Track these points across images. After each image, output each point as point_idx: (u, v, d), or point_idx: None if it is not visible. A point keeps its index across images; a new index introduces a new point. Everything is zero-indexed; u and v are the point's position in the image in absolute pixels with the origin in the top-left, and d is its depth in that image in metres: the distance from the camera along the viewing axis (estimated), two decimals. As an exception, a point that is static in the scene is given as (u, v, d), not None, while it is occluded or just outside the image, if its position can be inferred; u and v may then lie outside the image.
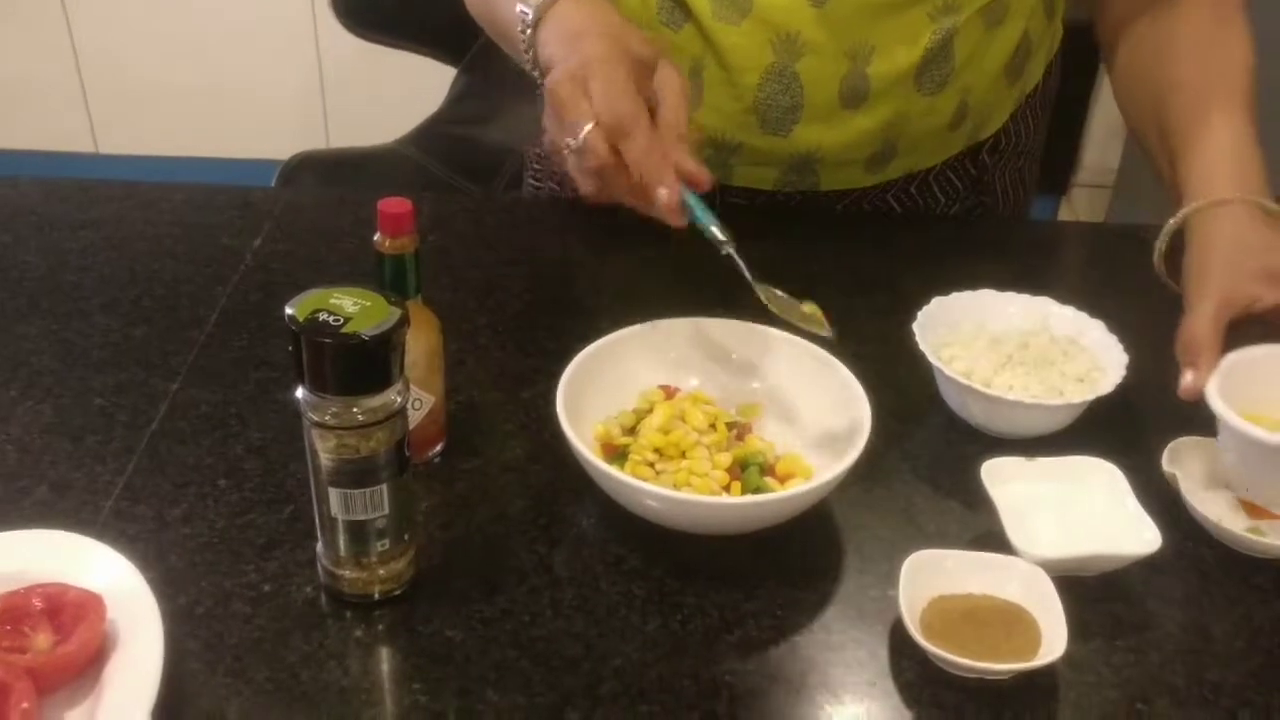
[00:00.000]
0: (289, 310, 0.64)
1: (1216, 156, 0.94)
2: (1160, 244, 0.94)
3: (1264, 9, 1.06)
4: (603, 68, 0.81)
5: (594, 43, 0.84)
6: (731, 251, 0.81)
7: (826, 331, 0.81)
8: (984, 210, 1.18)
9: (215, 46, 2.85)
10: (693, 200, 0.82)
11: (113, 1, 2.82)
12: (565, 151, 0.83)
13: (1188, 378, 0.82)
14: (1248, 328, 0.85)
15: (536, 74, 0.90)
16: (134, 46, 2.87)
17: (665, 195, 0.80)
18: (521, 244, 1.09)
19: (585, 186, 0.85)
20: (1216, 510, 0.80)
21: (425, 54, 1.91)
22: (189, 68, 2.88)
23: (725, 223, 0.82)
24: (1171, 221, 0.93)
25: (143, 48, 2.87)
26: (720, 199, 1.12)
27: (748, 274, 0.81)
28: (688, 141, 0.83)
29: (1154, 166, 1.03)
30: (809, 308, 0.82)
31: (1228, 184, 0.91)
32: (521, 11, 0.89)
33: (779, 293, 0.82)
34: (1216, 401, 0.79)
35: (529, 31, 0.89)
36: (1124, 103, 1.08)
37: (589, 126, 0.80)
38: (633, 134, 0.80)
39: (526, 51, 0.90)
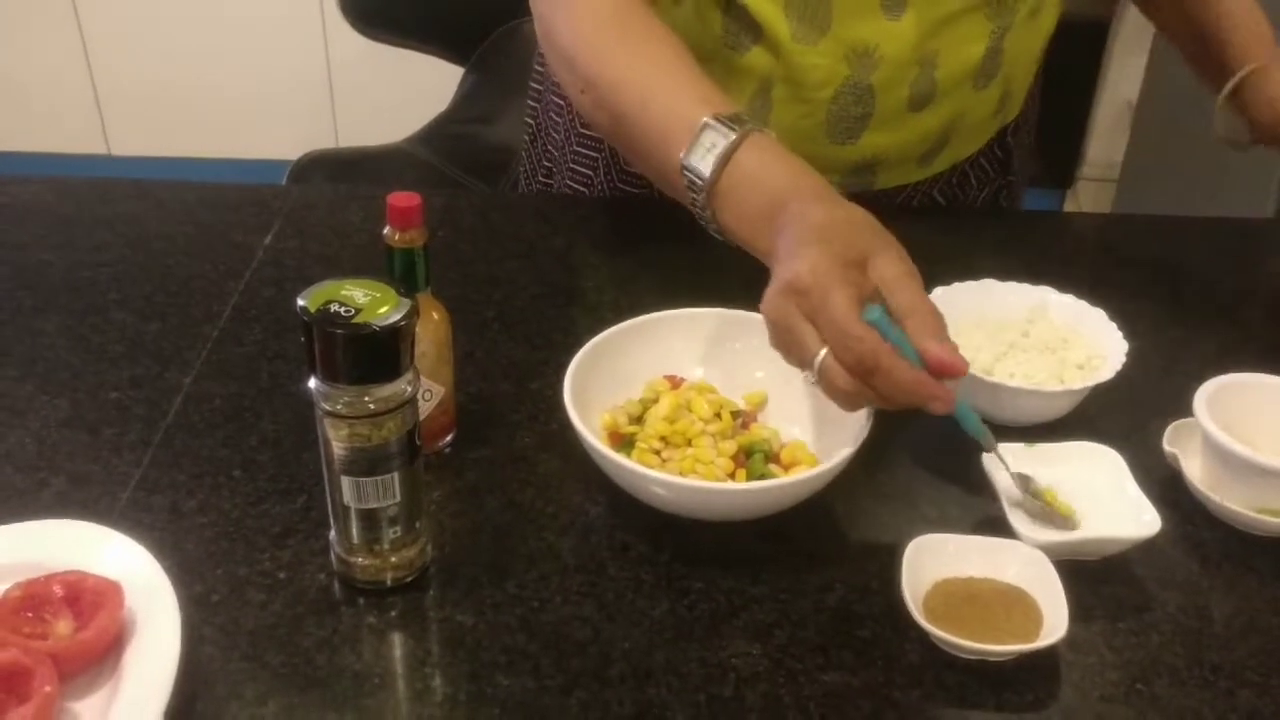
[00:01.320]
0: (301, 302, 0.66)
1: (1265, 34, 1.04)
2: (1220, 102, 1.03)
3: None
4: (823, 292, 0.70)
5: (807, 252, 0.72)
6: (998, 454, 0.78)
7: (1075, 525, 0.77)
8: (1009, 190, 1.21)
9: (225, 48, 2.87)
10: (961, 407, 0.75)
11: (123, 4, 2.83)
12: (803, 374, 0.74)
13: None
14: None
15: (713, 229, 0.85)
16: (145, 49, 2.89)
17: (940, 409, 0.72)
18: (528, 238, 1.10)
19: (838, 404, 0.74)
20: (1219, 490, 0.80)
21: (433, 53, 1.92)
22: (199, 70, 2.90)
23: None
24: (1230, 84, 1.02)
25: (153, 50, 2.89)
26: None
27: (1009, 470, 0.78)
28: (941, 329, 0.73)
29: (1190, 63, 1.11)
30: (1054, 502, 0.78)
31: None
32: (688, 173, 0.82)
33: (1035, 500, 0.78)
34: (1204, 415, 0.81)
35: (702, 196, 0.82)
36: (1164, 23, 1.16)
37: (822, 355, 0.71)
38: (876, 369, 0.70)
39: (698, 209, 0.84)
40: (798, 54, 0.98)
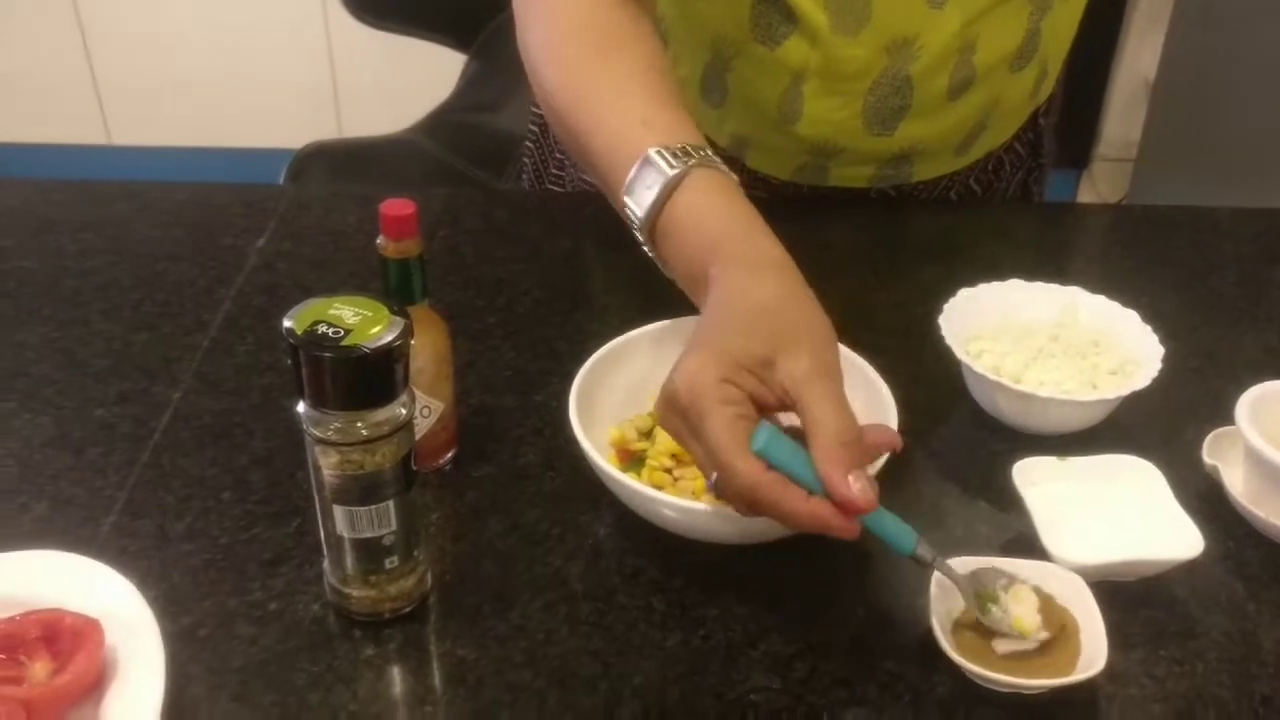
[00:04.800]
0: (287, 323, 0.62)
1: None
2: None
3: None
4: (699, 415, 0.64)
5: (691, 361, 0.66)
6: (939, 565, 0.67)
7: (1033, 634, 0.66)
8: (1040, 172, 1.17)
9: (226, 37, 2.82)
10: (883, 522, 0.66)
11: (121, -8, 2.80)
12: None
13: None
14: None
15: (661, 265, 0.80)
16: (145, 37, 2.84)
17: (845, 536, 0.64)
18: (532, 239, 1.05)
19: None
20: (1263, 505, 0.76)
21: (435, 40, 1.88)
22: (200, 59, 2.85)
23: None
24: None
25: (154, 38, 2.84)
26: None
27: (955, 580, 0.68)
28: (848, 451, 0.64)
29: None
30: (1020, 601, 0.66)
31: None
32: (629, 210, 0.78)
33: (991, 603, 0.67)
34: (1246, 424, 0.76)
35: (644, 234, 0.78)
36: None
37: (714, 476, 0.65)
38: (759, 504, 0.64)
39: (644, 245, 0.80)
40: (836, 45, 0.94)
